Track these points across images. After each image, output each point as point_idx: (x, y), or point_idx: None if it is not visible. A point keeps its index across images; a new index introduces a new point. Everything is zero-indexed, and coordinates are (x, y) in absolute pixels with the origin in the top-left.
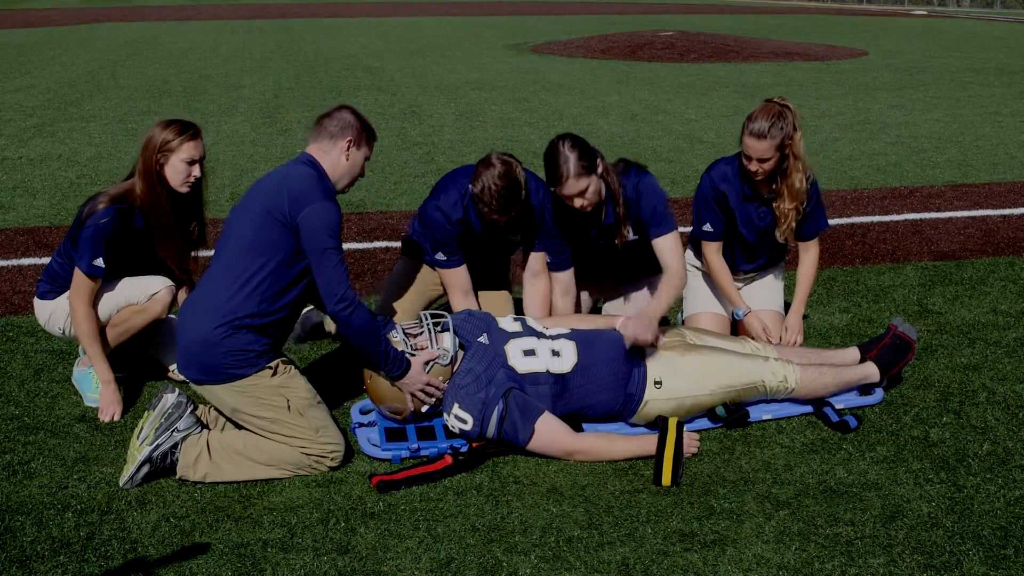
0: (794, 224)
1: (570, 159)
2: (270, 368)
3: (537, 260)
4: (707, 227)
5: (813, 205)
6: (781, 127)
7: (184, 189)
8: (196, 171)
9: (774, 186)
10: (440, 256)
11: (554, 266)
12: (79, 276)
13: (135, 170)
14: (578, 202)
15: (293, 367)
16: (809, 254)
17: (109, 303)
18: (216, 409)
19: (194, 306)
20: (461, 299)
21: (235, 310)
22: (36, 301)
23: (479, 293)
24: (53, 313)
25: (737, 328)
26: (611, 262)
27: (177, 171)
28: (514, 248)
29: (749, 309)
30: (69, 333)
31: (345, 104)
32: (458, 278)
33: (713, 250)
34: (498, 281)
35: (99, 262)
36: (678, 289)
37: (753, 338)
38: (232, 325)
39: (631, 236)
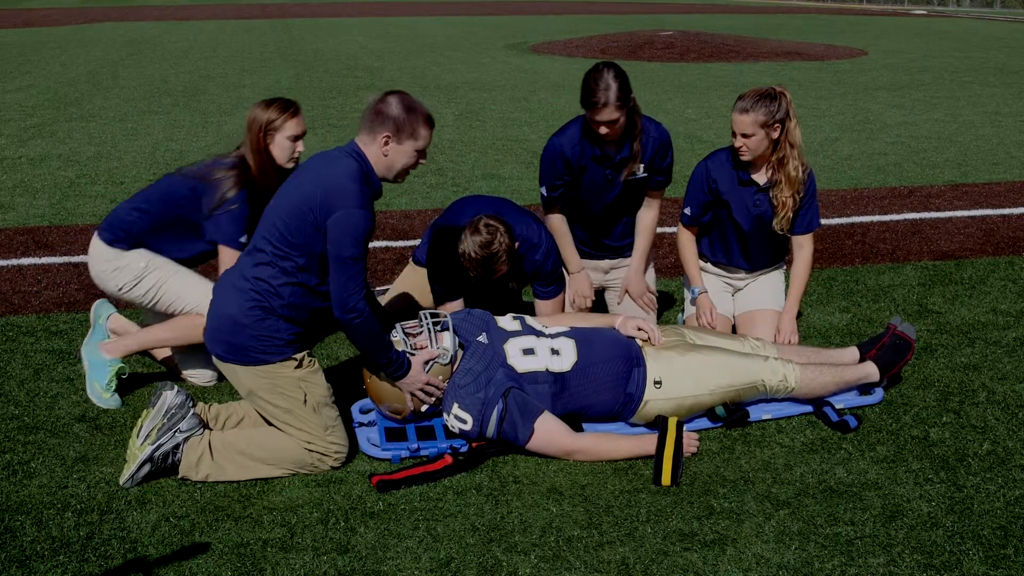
0: (791, 214)
1: (612, 88)
2: (295, 360)
3: (546, 307)
4: (687, 210)
5: (808, 197)
6: (767, 106)
7: (290, 164)
8: (300, 146)
9: (769, 174)
10: (437, 288)
11: (552, 205)
12: (231, 252)
13: (241, 149)
14: (604, 129)
15: (316, 363)
16: (803, 252)
17: (195, 297)
18: (230, 387)
19: (231, 283)
20: None
21: (269, 296)
22: (100, 245)
23: None
24: (122, 267)
25: (736, 327)
26: (611, 196)
27: (283, 148)
28: (515, 294)
29: (704, 290)
30: (125, 294)
31: (395, 91)
32: (452, 310)
33: (686, 233)
34: (511, 308)
35: (244, 238)
36: (652, 230)
37: (699, 318)
38: (264, 309)
39: (640, 173)
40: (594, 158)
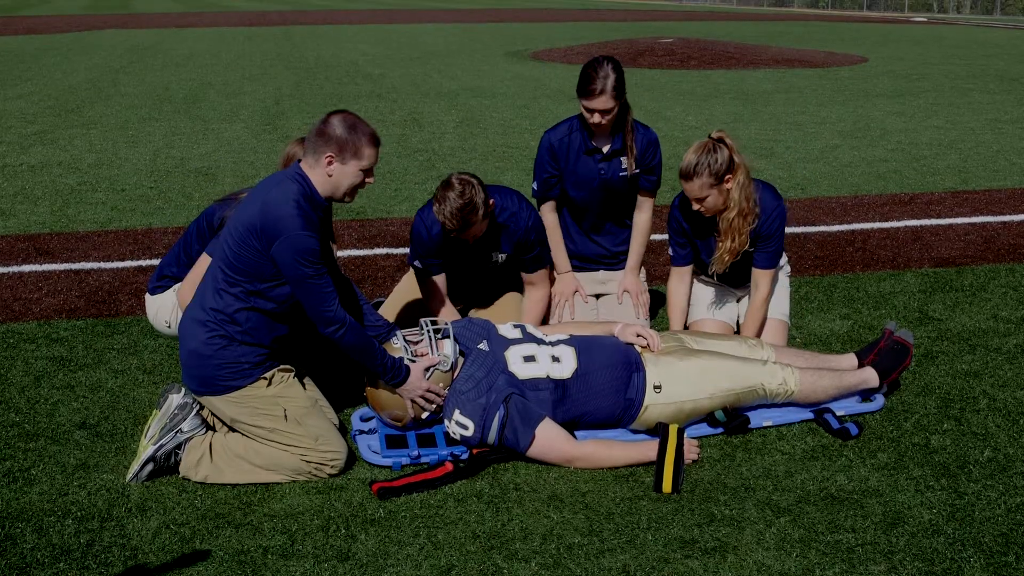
0: (727, 259)
1: (611, 78)
2: (264, 379)
3: (535, 277)
4: (670, 251)
5: (768, 239)
6: (709, 163)
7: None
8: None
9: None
10: (417, 263)
11: (543, 198)
12: None
13: None
14: (596, 117)
15: (291, 375)
16: (759, 292)
17: None
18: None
19: (193, 317)
20: (438, 308)
21: (225, 324)
22: (147, 297)
23: (495, 303)
24: (161, 308)
25: (738, 334)
26: (603, 194)
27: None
28: (505, 269)
29: None
30: (175, 329)
31: (339, 111)
32: (433, 287)
33: (675, 276)
34: (505, 288)
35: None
36: (646, 231)
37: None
38: (223, 337)
39: (635, 169)
40: (585, 151)
